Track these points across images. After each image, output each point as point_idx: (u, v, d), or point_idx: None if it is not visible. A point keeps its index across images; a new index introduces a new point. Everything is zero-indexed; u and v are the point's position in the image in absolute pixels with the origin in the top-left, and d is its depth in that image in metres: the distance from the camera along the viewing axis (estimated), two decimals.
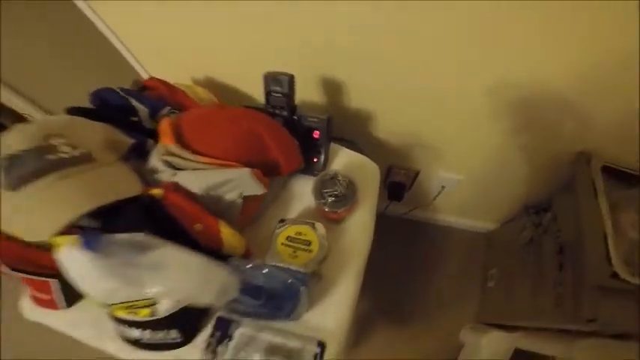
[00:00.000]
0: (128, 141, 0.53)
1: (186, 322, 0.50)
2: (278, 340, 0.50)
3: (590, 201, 0.71)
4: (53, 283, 0.52)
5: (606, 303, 0.67)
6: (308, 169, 0.64)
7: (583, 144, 0.79)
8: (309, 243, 0.53)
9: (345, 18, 0.61)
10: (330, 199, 0.57)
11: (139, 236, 0.33)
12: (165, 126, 0.52)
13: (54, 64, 1.27)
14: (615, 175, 0.76)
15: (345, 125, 0.84)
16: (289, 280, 0.43)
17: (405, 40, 0.63)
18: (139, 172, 0.50)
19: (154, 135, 0.58)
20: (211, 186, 0.46)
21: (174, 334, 0.49)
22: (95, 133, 0.50)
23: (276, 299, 0.43)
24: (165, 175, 0.47)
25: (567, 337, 0.81)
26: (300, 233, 0.53)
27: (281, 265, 0.47)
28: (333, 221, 0.61)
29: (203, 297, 0.36)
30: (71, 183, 0.42)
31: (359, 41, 0.65)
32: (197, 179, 0.46)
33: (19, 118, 1.41)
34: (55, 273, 0.49)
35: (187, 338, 0.51)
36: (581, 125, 0.74)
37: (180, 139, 0.50)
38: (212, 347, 0.50)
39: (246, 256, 0.52)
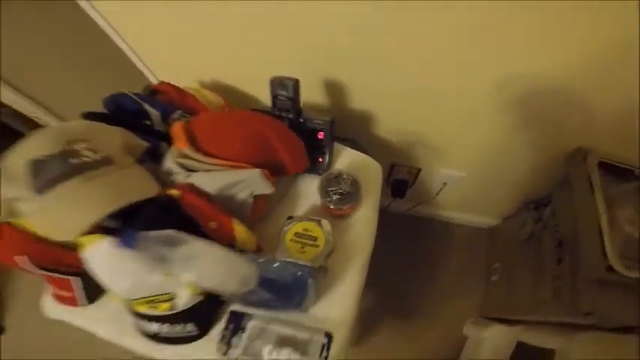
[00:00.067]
0: (143, 144, 0.56)
1: (201, 315, 0.53)
2: (288, 331, 0.53)
3: (586, 196, 0.73)
4: (75, 281, 0.55)
5: (603, 296, 0.70)
6: (313, 168, 0.67)
7: (581, 140, 0.81)
8: (315, 239, 0.56)
9: (346, 21, 0.63)
10: (335, 197, 0.61)
11: (171, 233, 0.36)
12: (178, 130, 0.55)
13: (59, 65, 1.30)
14: (612, 170, 0.78)
15: (349, 125, 0.87)
16: (298, 273, 0.47)
17: (405, 42, 0.65)
18: (154, 173, 0.53)
19: (166, 138, 0.61)
20: (224, 186, 0.49)
21: (190, 328, 0.53)
22: (113, 137, 0.54)
23: (286, 291, 0.47)
24: (180, 176, 0.51)
25: (567, 331, 0.83)
26: (307, 229, 0.56)
27: (290, 259, 0.50)
28: (338, 218, 0.64)
29: (229, 285, 0.40)
30: (95, 185, 0.45)
31: (360, 44, 0.67)
32: (210, 180, 0.49)
33: (27, 122, 1.45)
34: (77, 271, 0.53)
35: (203, 331, 0.54)
36: (580, 122, 0.76)
37: (193, 142, 0.53)
38: (226, 339, 0.53)
39: (257, 251, 0.55)
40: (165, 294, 0.45)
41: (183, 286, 0.43)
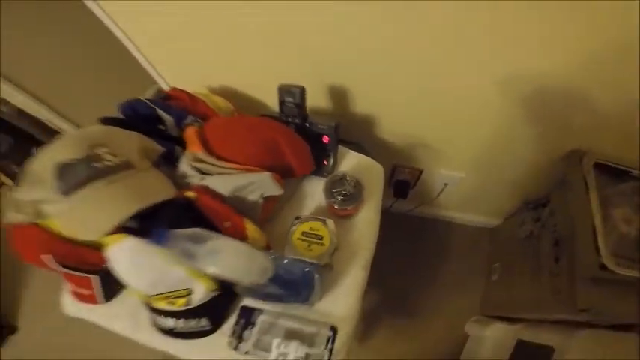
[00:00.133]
0: (159, 148, 0.60)
1: (214, 311, 0.57)
2: (295, 325, 0.57)
3: (581, 197, 0.76)
4: (94, 279, 0.58)
5: (598, 293, 0.72)
6: (319, 171, 0.71)
7: (580, 141, 0.83)
8: (321, 237, 0.59)
9: (350, 31, 0.66)
10: (339, 198, 0.64)
11: (197, 230, 0.40)
12: (191, 135, 0.59)
13: (65, 65, 1.33)
14: (608, 171, 0.81)
15: (353, 129, 0.90)
16: (305, 269, 0.51)
17: (406, 47, 0.67)
18: (170, 176, 0.57)
19: (179, 142, 0.65)
20: (236, 188, 0.53)
21: (204, 322, 0.56)
22: (131, 142, 0.57)
23: (295, 286, 0.51)
24: (195, 179, 0.54)
25: (565, 328, 0.86)
26: (313, 229, 0.60)
27: (298, 257, 0.54)
28: (343, 218, 0.68)
29: (248, 276, 0.45)
30: (117, 188, 0.49)
31: (364, 51, 0.70)
32: (224, 183, 0.53)
33: (38, 125, 1.49)
34: (97, 269, 0.57)
35: (215, 326, 0.58)
36: (578, 123, 0.78)
37: (205, 147, 0.57)
38: (237, 334, 0.57)
39: (267, 249, 0.59)
40: (183, 289, 0.48)
41: (199, 281, 0.47)
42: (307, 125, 0.66)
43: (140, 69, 0.95)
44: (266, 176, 0.54)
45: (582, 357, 0.80)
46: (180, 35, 0.78)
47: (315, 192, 0.71)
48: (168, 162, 0.62)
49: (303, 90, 0.62)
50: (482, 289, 1.28)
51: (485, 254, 1.34)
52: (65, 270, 0.55)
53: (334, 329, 0.57)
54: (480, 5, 0.56)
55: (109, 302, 0.63)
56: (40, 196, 0.51)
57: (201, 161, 0.55)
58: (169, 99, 0.75)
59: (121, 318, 0.62)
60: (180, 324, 0.56)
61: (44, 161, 0.52)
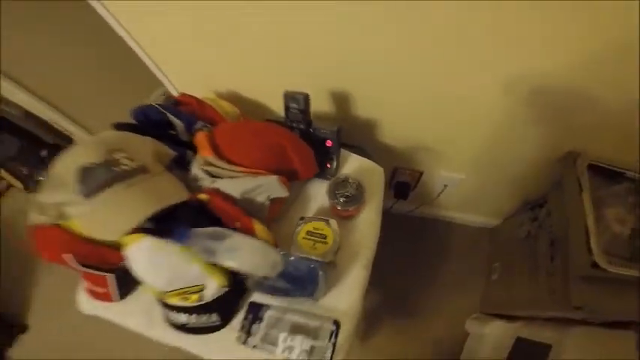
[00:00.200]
0: (171, 153, 0.64)
1: (224, 307, 0.61)
2: (300, 320, 0.61)
3: (575, 197, 0.79)
4: (110, 278, 0.61)
5: (591, 291, 0.75)
6: (322, 173, 0.75)
7: (578, 142, 0.85)
8: (325, 237, 0.63)
9: (352, 37, 0.69)
10: (341, 199, 0.68)
11: (217, 229, 0.45)
12: (202, 139, 0.63)
13: (68, 65, 1.36)
14: (603, 172, 0.84)
15: (354, 132, 0.93)
16: (310, 266, 0.55)
17: (408, 55, 0.70)
18: (182, 179, 0.61)
19: (189, 147, 0.69)
20: (245, 191, 0.57)
21: (214, 318, 0.60)
22: (145, 147, 0.61)
23: (301, 281, 0.55)
24: (206, 182, 0.59)
25: (562, 326, 0.89)
26: (317, 228, 0.64)
27: (303, 255, 0.58)
28: (345, 218, 0.72)
29: (262, 270, 0.49)
30: (136, 191, 0.53)
31: (365, 57, 0.73)
32: (234, 185, 0.57)
33: (48, 129, 1.53)
34: (113, 268, 0.60)
35: (225, 321, 0.62)
36: (577, 123, 0.81)
37: (216, 151, 0.61)
38: (246, 328, 0.61)
39: (274, 247, 0.63)
40: (197, 285, 0.52)
41: (211, 277, 0.51)
42: (311, 130, 0.70)
43: (144, 69, 0.98)
44: (273, 179, 0.59)
45: (578, 354, 0.83)
46: (184, 35, 0.80)
47: (318, 194, 0.75)
48: (179, 166, 0.66)
49: (307, 97, 0.66)
50: (482, 289, 1.32)
51: (485, 254, 1.38)
52: (84, 269, 0.58)
53: (337, 324, 0.60)
54: (482, 5, 0.57)
55: (123, 300, 0.66)
56: (62, 198, 0.55)
57: (212, 165, 0.59)
58: (178, 104, 0.79)
59: (135, 315, 0.66)
60: (192, 319, 0.60)
61: (66, 165, 0.56)
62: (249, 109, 0.93)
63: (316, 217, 0.66)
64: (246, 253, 0.46)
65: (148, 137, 0.63)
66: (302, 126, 0.69)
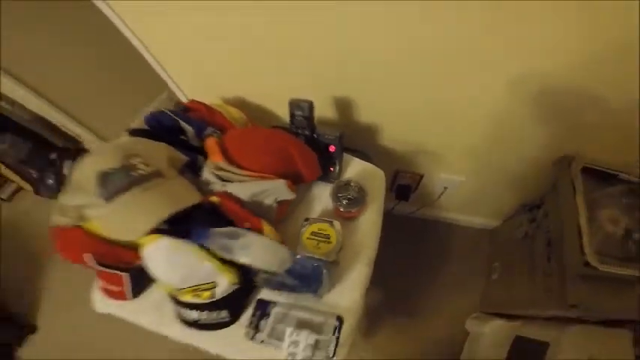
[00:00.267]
0: (184, 158, 0.68)
1: (234, 303, 0.65)
2: (305, 316, 0.65)
3: (569, 199, 0.83)
4: (125, 277, 0.65)
5: (586, 290, 0.78)
6: (326, 177, 0.79)
7: (577, 143, 0.89)
8: (328, 237, 0.67)
9: (354, 45, 0.73)
10: (344, 202, 0.72)
11: (232, 228, 0.49)
12: (212, 145, 0.67)
13: (71, 65, 1.39)
14: (597, 174, 0.87)
15: (357, 137, 0.97)
16: (315, 265, 0.59)
17: (409, 60, 0.74)
18: (194, 183, 0.66)
19: (200, 152, 0.73)
20: (254, 194, 0.62)
21: (224, 314, 0.64)
22: (159, 152, 0.66)
23: (306, 279, 0.59)
24: (217, 186, 0.63)
25: (559, 324, 0.92)
26: (321, 229, 0.68)
27: (308, 254, 0.62)
28: (348, 219, 0.76)
29: (272, 265, 0.54)
30: (152, 194, 0.57)
31: (367, 64, 0.77)
32: (243, 189, 0.62)
33: (57, 132, 1.58)
34: (128, 268, 0.64)
35: (234, 318, 0.66)
36: (576, 125, 0.83)
37: (225, 156, 0.66)
38: (254, 324, 0.65)
39: None
40: (209, 283, 0.56)
41: (223, 275, 0.56)
42: (315, 136, 0.74)
43: (149, 70, 1.00)
44: (280, 183, 0.63)
45: (575, 352, 0.85)
46: (189, 36, 0.82)
47: (322, 196, 0.79)
48: (191, 170, 0.70)
49: (311, 104, 0.70)
50: (482, 289, 1.35)
51: (485, 255, 1.41)
52: (101, 268, 0.62)
53: (340, 319, 0.65)
54: (482, 6, 0.59)
55: (136, 298, 0.70)
56: (83, 201, 0.60)
57: (222, 170, 0.64)
58: (188, 110, 0.83)
59: (147, 313, 0.70)
60: (203, 316, 0.64)
61: (86, 170, 0.60)
62: (256, 115, 0.97)
63: (320, 218, 0.70)
64: (258, 250, 0.50)
65: (161, 143, 0.68)
66: (307, 132, 0.73)
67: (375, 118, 0.95)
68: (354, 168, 0.84)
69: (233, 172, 0.63)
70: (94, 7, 0.80)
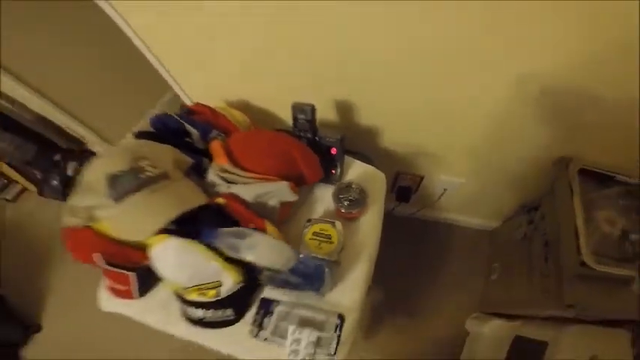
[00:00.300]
0: (189, 160, 0.71)
1: (238, 302, 0.67)
2: (308, 314, 0.67)
3: (566, 201, 0.85)
4: (132, 276, 0.66)
5: (582, 290, 0.80)
6: (328, 179, 0.81)
7: (575, 144, 0.90)
8: (330, 237, 0.69)
9: (355, 50, 0.75)
10: (345, 203, 0.74)
11: (239, 228, 0.52)
12: (218, 147, 0.69)
13: (76, 66, 1.42)
14: (594, 176, 0.89)
15: (358, 139, 1.00)
16: (317, 264, 0.61)
17: (409, 64, 0.75)
18: (200, 185, 0.68)
19: (204, 154, 0.75)
20: (258, 195, 0.64)
21: (229, 312, 0.66)
22: (166, 155, 0.68)
23: (309, 277, 0.61)
24: (222, 187, 0.65)
25: (558, 324, 0.93)
26: (323, 230, 0.70)
27: (310, 253, 0.64)
28: (349, 220, 0.78)
29: (277, 264, 0.57)
30: (160, 196, 0.60)
31: (367, 68, 0.79)
32: (247, 191, 0.64)
33: (61, 133, 1.60)
34: (135, 267, 0.66)
35: (239, 316, 0.68)
36: (575, 127, 0.85)
37: (230, 159, 0.68)
38: (257, 322, 0.67)
39: None
40: (215, 281, 0.59)
41: (228, 274, 0.58)
42: (317, 139, 0.76)
43: (151, 70, 1.00)
44: (283, 185, 0.65)
45: (573, 351, 0.86)
46: (191, 36, 0.83)
47: (324, 197, 0.81)
48: (196, 172, 0.73)
49: (313, 108, 0.72)
50: (481, 289, 1.37)
51: (485, 256, 1.43)
52: (110, 268, 0.64)
53: (342, 317, 0.67)
54: (483, 6, 0.59)
55: (142, 298, 0.71)
56: (93, 202, 0.62)
57: (227, 172, 0.66)
58: (193, 113, 0.85)
59: (153, 312, 0.72)
60: (208, 314, 0.66)
61: (95, 172, 0.63)
62: (259, 118, 0.99)
63: (322, 219, 0.72)
64: (264, 249, 0.53)
65: (167, 145, 0.70)
66: (309, 135, 0.75)
67: (375, 120, 0.97)
68: (356, 170, 0.86)
69: (238, 174, 0.65)
70: (97, 6, 0.81)
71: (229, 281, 0.60)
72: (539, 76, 0.72)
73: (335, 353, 0.63)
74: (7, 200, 1.78)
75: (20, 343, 1.48)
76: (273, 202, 0.66)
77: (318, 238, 0.69)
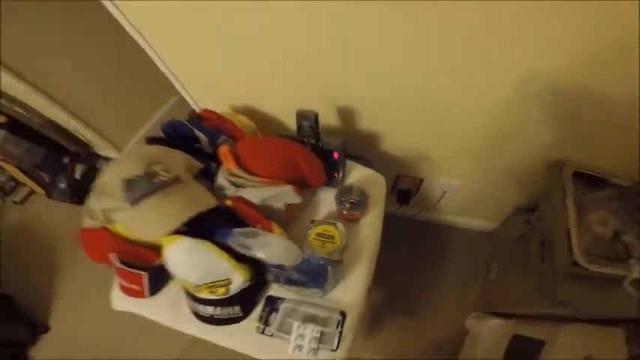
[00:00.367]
0: (199, 165, 0.75)
1: (246, 300, 0.71)
2: (311, 311, 0.71)
3: (560, 203, 0.88)
4: (144, 276, 0.70)
5: (576, 288, 0.83)
6: (330, 182, 0.85)
7: (570, 147, 0.92)
8: (333, 237, 0.74)
9: (358, 55, 0.76)
10: (347, 205, 0.78)
11: (251, 229, 0.56)
12: (226, 152, 0.74)
13: (78, 66, 1.45)
14: (588, 179, 0.92)
15: (360, 143, 1.04)
16: (321, 263, 0.66)
17: (409, 71, 0.78)
18: (209, 188, 0.72)
19: (213, 158, 0.80)
20: (265, 198, 0.69)
21: (237, 310, 0.71)
22: (178, 160, 0.72)
23: (314, 275, 0.65)
24: (231, 191, 0.70)
25: (554, 323, 0.97)
26: (326, 230, 0.74)
27: (314, 253, 0.68)
28: (350, 222, 0.82)
29: (285, 261, 0.61)
30: (174, 199, 0.64)
31: (370, 75, 0.81)
32: (255, 194, 0.68)
33: (69, 137, 1.65)
34: (147, 267, 0.70)
35: (246, 313, 0.72)
36: (571, 129, 0.86)
37: (238, 163, 0.72)
38: (264, 319, 0.71)
39: None
40: (225, 279, 0.63)
41: (237, 273, 0.62)
42: (320, 144, 0.81)
43: (156, 71, 1.01)
44: (288, 188, 0.70)
45: (569, 350, 0.90)
46: (197, 37, 0.84)
47: (327, 200, 0.86)
48: (205, 176, 0.77)
49: (316, 115, 0.77)
50: (481, 289, 1.40)
51: (485, 257, 1.46)
52: (124, 267, 0.68)
53: (344, 314, 0.71)
54: (481, 10, 0.59)
55: (153, 297, 0.75)
56: (109, 205, 0.66)
57: (235, 176, 0.70)
58: (201, 120, 0.89)
59: (164, 310, 0.76)
60: (218, 311, 0.70)
61: (111, 177, 0.67)
62: (265, 123, 1.03)
63: (325, 220, 0.77)
64: (274, 247, 0.57)
65: (179, 151, 0.74)
66: (312, 140, 0.80)
67: (376, 126, 1.01)
68: (357, 174, 0.90)
69: (245, 178, 0.70)
70: (102, 6, 0.82)
71: (238, 279, 0.64)
72: (539, 77, 0.72)
73: (337, 347, 0.67)
74: (15, 202, 1.83)
75: (28, 343, 1.52)
76: (278, 204, 0.70)
77: (321, 238, 0.73)
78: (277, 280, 0.66)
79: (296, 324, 0.68)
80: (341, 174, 0.85)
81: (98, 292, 0.81)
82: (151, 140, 0.81)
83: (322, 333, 0.67)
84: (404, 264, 1.50)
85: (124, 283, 0.74)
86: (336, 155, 0.81)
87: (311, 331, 0.67)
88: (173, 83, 1.04)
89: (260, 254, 0.56)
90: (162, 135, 0.83)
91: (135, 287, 0.73)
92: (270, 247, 0.57)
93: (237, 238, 0.56)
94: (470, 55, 0.70)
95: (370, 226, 0.82)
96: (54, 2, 1.27)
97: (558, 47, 0.64)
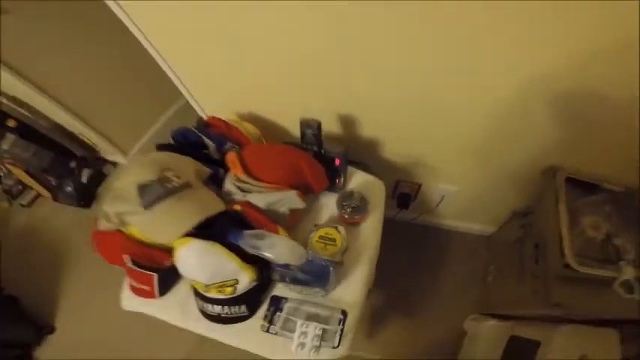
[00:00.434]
0: (208, 170, 0.80)
1: (252, 299, 0.75)
2: (314, 310, 0.75)
3: (553, 208, 0.92)
4: (155, 277, 0.73)
5: (568, 290, 0.87)
6: (332, 187, 0.90)
7: (567, 149, 0.94)
8: (334, 240, 0.78)
9: (360, 65, 0.79)
10: (348, 210, 0.83)
11: (259, 231, 0.61)
12: (233, 159, 0.78)
13: (81, 67, 1.46)
14: (581, 184, 0.96)
15: (360, 150, 1.07)
16: (323, 264, 0.70)
17: (409, 79, 0.80)
18: (217, 193, 0.77)
19: (220, 165, 0.84)
20: (270, 203, 0.73)
21: (243, 309, 0.75)
22: (187, 166, 0.77)
23: (316, 275, 0.70)
24: (238, 196, 0.74)
25: (549, 324, 1.00)
26: (328, 233, 0.78)
27: (317, 255, 0.73)
28: (351, 225, 0.86)
29: (292, 260, 0.65)
30: (185, 203, 0.68)
31: (371, 83, 0.84)
32: (261, 199, 0.73)
33: (76, 141, 1.70)
34: (158, 268, 0.74)
35: (252, 312, 0.76)
36: (567, 132, 0.88)
37: (245, 169, 0.77)
38: (268, 318, 0.75)
39: None
40: (233, 279, 0.67)
41: (245, 273, 0.67)
42: (322, 151, 0.85)
43: (161, 73, 1.02)
44: (292, 193, 0.74)
45: (564, 350, 0.93)
46: (201, 37, 0.84)
47: (329, 204, 0.90)
48: (213, 181, 0.81)
49: (319, 123, 0.81)
50: (479, 291, 1.44)
51: (483, 260, 1.50)
52: (136, 268, 0.72)
53: (345, 313, 0.75)
54: (479, 8, 0.60)
55: (162, 297, 0.78)
56: (124, 209, 0.70)
57: (242, 181, 0.75)
58: (208, 126, 0.94)
59: (173, 310, 0.79)
60: (225, 310, 0.74)
61: (126, 182, 0.71)
62: (269, 130, 1.07)
63: (327, 224, 0.81)
64: (281, 248, 0.62)
65: (188, 157, 0.79)
66: (315, 148, 0.84)
67: (377, 133, 1.04)
68: (357, 179, 0.94)
69: (252, 184, 0.74)
70: (104, 6, 0.82)
71: (245, 280, 0.69)
72: (542, 76, 0.72)
73: (339, 345, 0.72)
74: (22, 205, 1.87)
75: (34, 344, 1.55)
76: (283, 209, 0.75)
77: (323, 241, 0.78)
78: (283, 279, 0.70)
79: (299, 322, 0.72)
80: (342, 180, 0.89)
81: (103, 293, 0.84)
82: (161, 147, 0.85)
83: (324, 331, 0.71)
84: (404, 267, 1.53)
85: (135, 284, 0.77)
86: (337, 162, 0.86)
87: (314, 328, 0.71)
88: (176, 84, 1.05)
89: (269, 254, 0.60)
90: (171, 142, 0.88)
91: (145, 288, 0.76)
92: (277, 247, 0.61)
93: (248, 239, 0.61)
94: (473, 55, 0.71)
95: (370, 229, 0.86)
96: (54, 2, 1.28)
97: (562, 47, 0.65)
